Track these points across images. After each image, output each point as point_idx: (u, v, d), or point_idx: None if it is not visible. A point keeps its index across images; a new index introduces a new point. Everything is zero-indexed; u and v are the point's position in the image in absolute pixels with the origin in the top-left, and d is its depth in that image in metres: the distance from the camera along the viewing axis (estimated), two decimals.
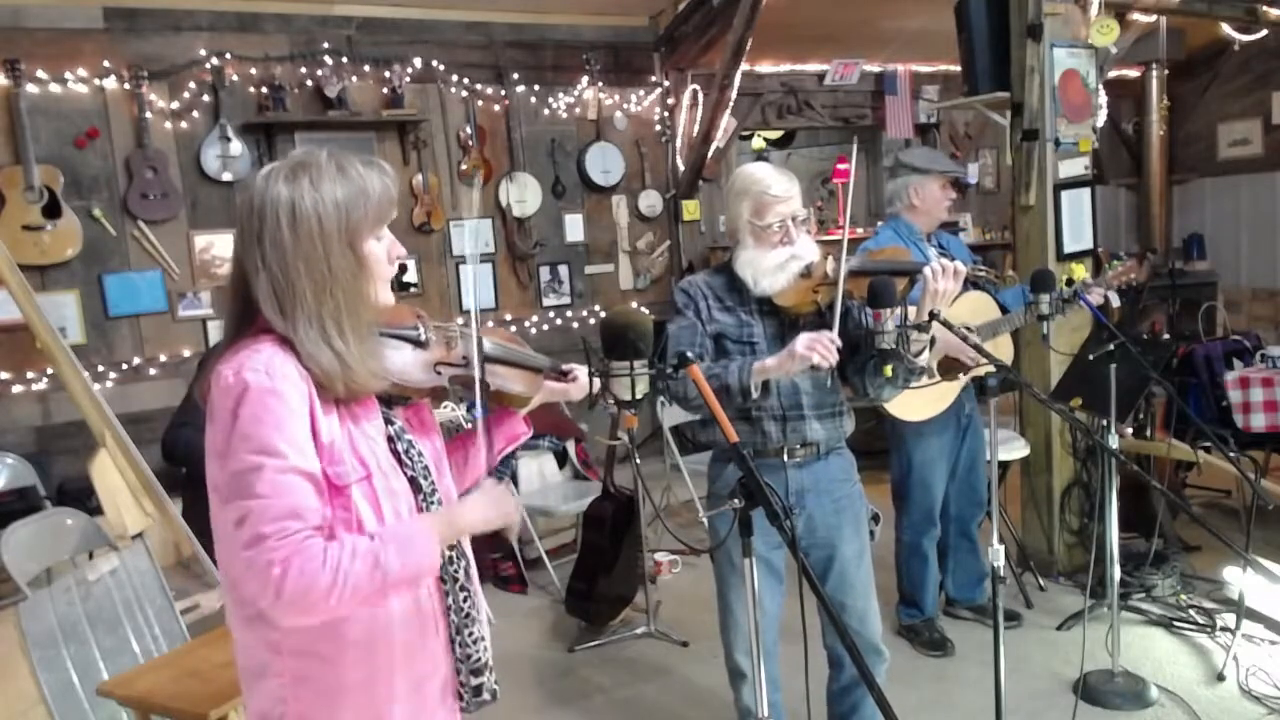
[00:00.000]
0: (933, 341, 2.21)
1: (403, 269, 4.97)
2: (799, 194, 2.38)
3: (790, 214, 2.34)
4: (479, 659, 1.48)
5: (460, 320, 1.62)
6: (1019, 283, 3.26)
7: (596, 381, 1.66)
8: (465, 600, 1.48)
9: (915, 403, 3.21)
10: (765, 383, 2.30)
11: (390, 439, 1.44)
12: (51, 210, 4.33)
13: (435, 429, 1.59)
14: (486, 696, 1.50)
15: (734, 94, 5.69)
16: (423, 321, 1.54)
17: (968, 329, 2.39)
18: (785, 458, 2.38)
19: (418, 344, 1.51)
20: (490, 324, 5.60)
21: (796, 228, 2.35)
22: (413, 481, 1.44)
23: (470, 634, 1.48)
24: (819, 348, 2.14)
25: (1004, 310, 3.39)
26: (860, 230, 6.97)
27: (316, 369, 1.31)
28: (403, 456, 1.44)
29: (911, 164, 3.47)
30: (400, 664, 1.40)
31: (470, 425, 1.67)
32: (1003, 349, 3.41)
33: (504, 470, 4.13)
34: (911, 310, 2.21)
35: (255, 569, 1.22)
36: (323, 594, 1.23)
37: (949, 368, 3.20)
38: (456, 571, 1.48)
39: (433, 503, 1.45)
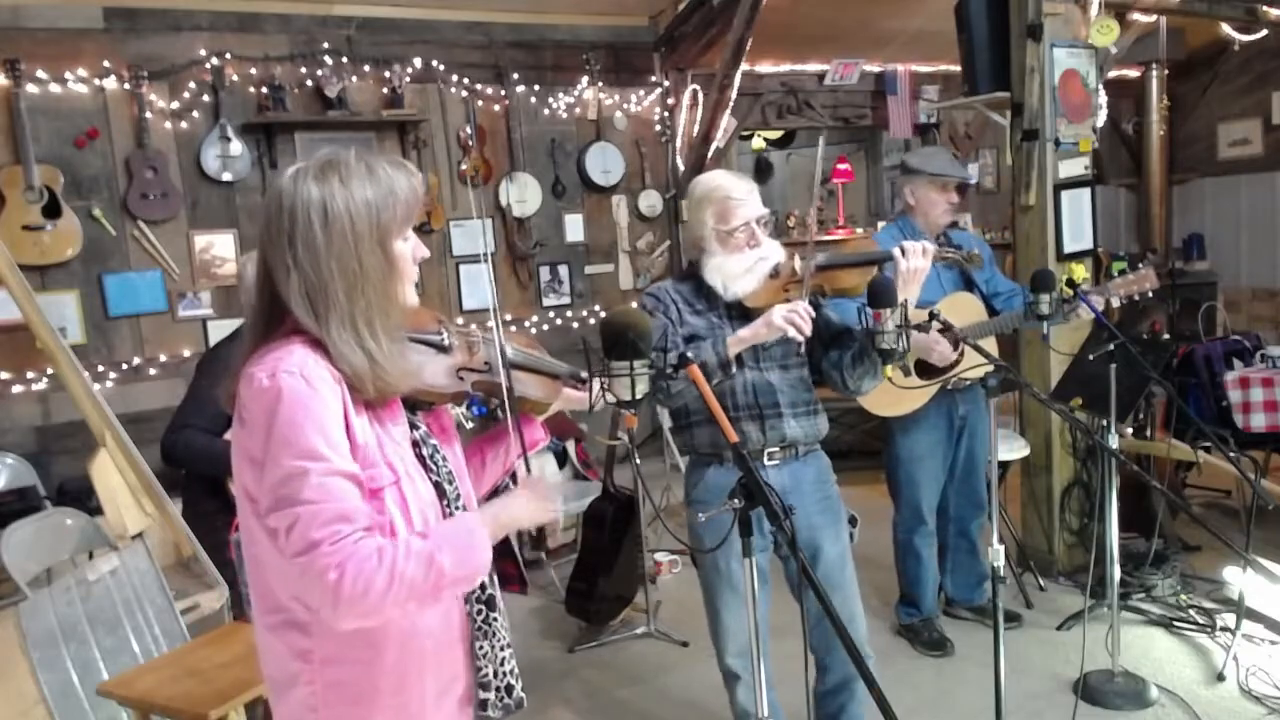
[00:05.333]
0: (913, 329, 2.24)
1: None
2: (759, 197, 2.41)
3: (754, 216, 2.36)
4: (485, 673, 1.47)
5: (475, 326, 1.62)
6: (983, 262, 3.24)
7: (597, 388, 1.66)
8: (479, 613, 1.47)
9: (886, 399, 3.21)
10: (740, 359, 2.32)
11: (415, 443, 1.44)
12: (51, 210, 4.33)
13: (455, 436, 1.59)
14: (491, 713, 1.48)
15: (734, 94, 5.68)
16: (444, 326, 1.54)
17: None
18: (764, 460, 2.39)
19: (441, 349, 1.51)
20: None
21: (760, 230, 2.37)
22: (437, 486, 1.43)
23: (480, 647, 1.46)
24: (795, 318, 2.18)
25: (992, 313, 3.39)
26: (859, 230, 6.99)
27: (348, 370, 1.30)
28: (428, 461, 1.44)
29: (908, 163, 3.49)
30: (430, 669, 1.40)
31: (470, 424, 1.67)
32: (987, 350, 3.40)
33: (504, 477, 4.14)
34: (915, 313, 2.22)
35: (311, 575, 1.21)
36: (380, 595, 1.21)
37: (925, 369, 3.20)
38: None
39: (456, 508, 1.45)
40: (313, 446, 1.23)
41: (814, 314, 2.23)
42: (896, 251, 2.28)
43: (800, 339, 2.20)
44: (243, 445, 1.28)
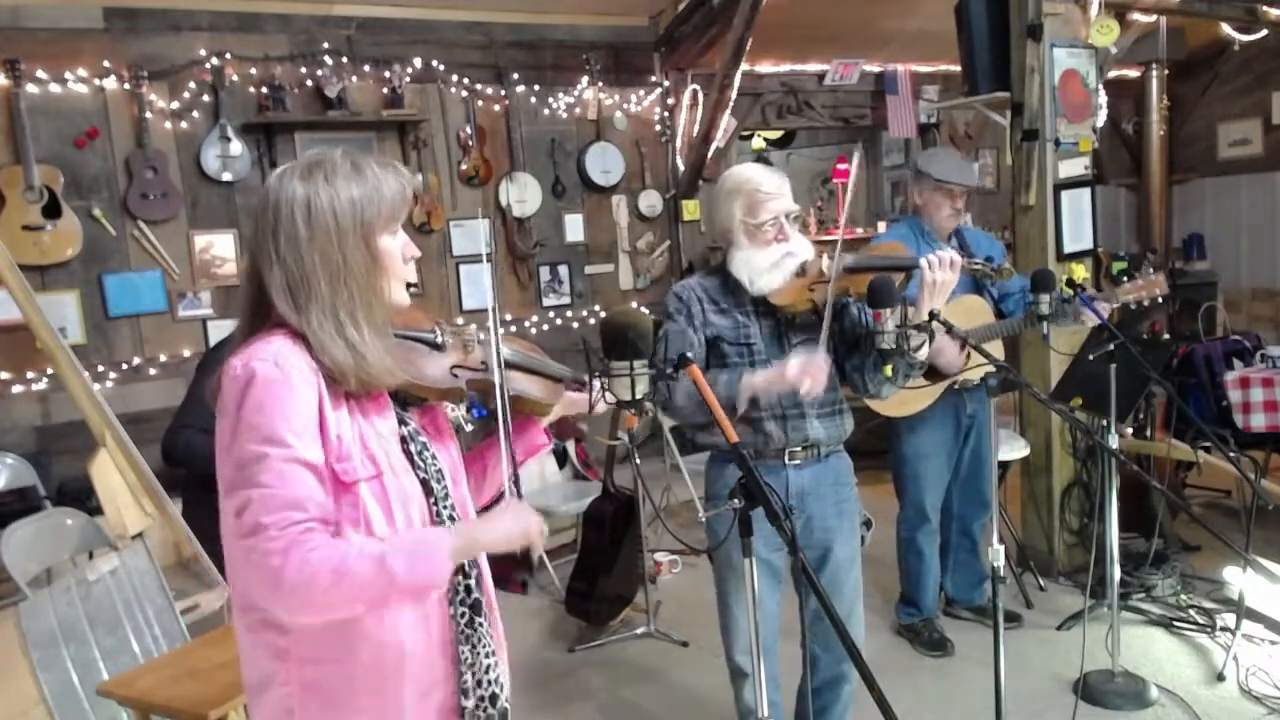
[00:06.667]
0: (932, 336, 2.22)
1: None
2: (789, 191, 2.39)
3: (783, 211, 2.34)
4: (465, 680, 1.42)
5: (475, 326, 1.61)
6: (1015, 274, 3.24)
7: (598, 389, 1.65)
8: (464, 618, 1.43)
9: (897, 399, 3.21)
10: (769, 359, 2.33)
11: (403, 439, 1.42)
12: (51, 210, 4.33)
13: (451, 436, 1.57)
14: None
15: (734, 94, 5.68)
16: (439, 325, 1.54)
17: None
18: (786, 460, 2.38)
19: (434, 347, 1.50)
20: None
21: (790, 225, 2.36)
22: (425, 484, 1.41)
23: (461, 653, 1.42)
24: (810, 373, 2.16)
25: (1000, 315, 3.39)
26: (860, 230, 6.99)
27: (329, 361, 1.30)
28: (415, 458, 1.42)
29: (917, 164, 3.52)
30: (409, 673, 1.37)
31: (470, 425, 1.66)
32: (994, 352, 3.41)
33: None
34: (911, 310, 2.22)
35: (254, 558, 1.20)
36: (324, 588, 1.20)
37: (932, 369, 3.20)
38: (458, 585, 1.43)
39: (445, 508, 1.43)
40: (276, 431, 1.23)
41: (827, 366, 2.22)
42: (924, 263, 2.25)
43: (813, 395, 2.21)
44: (218, 433, 1.28)
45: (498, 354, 1.50)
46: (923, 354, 2.22)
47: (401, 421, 1.44)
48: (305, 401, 1.27)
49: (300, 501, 1.22)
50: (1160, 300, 3.13)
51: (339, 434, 1.31)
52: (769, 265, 2.33)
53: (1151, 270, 3.24)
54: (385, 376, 1.35)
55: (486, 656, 1.45)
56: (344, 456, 1.30)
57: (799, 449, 2.39)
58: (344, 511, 1.30)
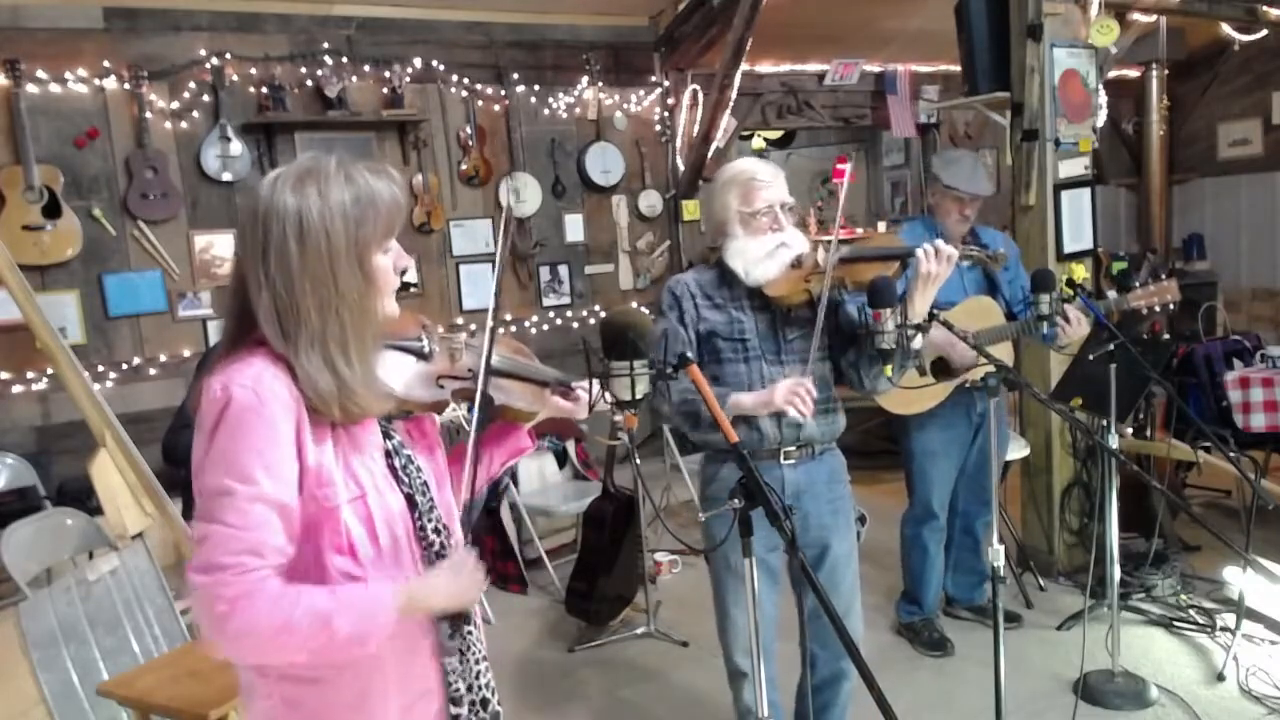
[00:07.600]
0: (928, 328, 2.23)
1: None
2: (785, 183, 2.39)
3: (778, 200, 2.35)
4: (457, 687, 1.42)
5: (472, 328, 1.60)
6: (1008, 260, 3.22)
7: (596, 389, 1.64)
8: (453, 628, 1.42)
9: (900, 397, 3.21)
10: (762, 353, 2.35)
11: (387, 454, 1.40)
12: (51, 210, 4.33)
13: (437, 443, 1.55)
14: None
15: (734, 94, 5.68)
16: (427, 331, 1.50)
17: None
18: (780, 459, 2.39)
19: (421, 356, 1.47)
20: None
21: (785, 215, 2.36)
22: (409, 498, 1.39)
23: (448, 663, 1.41)
24: (797, 400, 2.21)
25: (1010, 317, 3.39)
26: (859, 230, 6.98)
27: (312, 392, 1.26)
28: (399, 472, 1.39)
29: (932, 164, 3.54)
30: (394, 684, 1.36)
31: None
32: (1003, 355, 3.41)
33: (504, 477, 4.13)
34: (912, 310, 2.22)
35: (203, 598, 1.19)
36: (264, 641, 1.20)
37: (942, 369, 3.20)
38: None
39: (429, 520, 1.41)
40: (246, 467, 1.21)
41: (814, 392, 2.26)
42: (919, 253, 2.23)
43: (800, 419, 2.26)
44: (193, 450, 1.27)
45: (487, 364, 1.49)
46: (917, 342, 2.23)
47: (385, 435, 1.41)
48: (281, 433, 1.24)
49: (259, 547, 1.21)
50: (1173, 306, 3.13)
51: (319, 461, 1.28)
52: (764, 254, 2.33)
53: (1163, 275, 3.24)
54: (374, 406, 1.33)
55: (476, 663, 1.45)
56: (325, 482, 1.28)
57: (793, 447, 2.39)
58: (327, 536, 1.28)
